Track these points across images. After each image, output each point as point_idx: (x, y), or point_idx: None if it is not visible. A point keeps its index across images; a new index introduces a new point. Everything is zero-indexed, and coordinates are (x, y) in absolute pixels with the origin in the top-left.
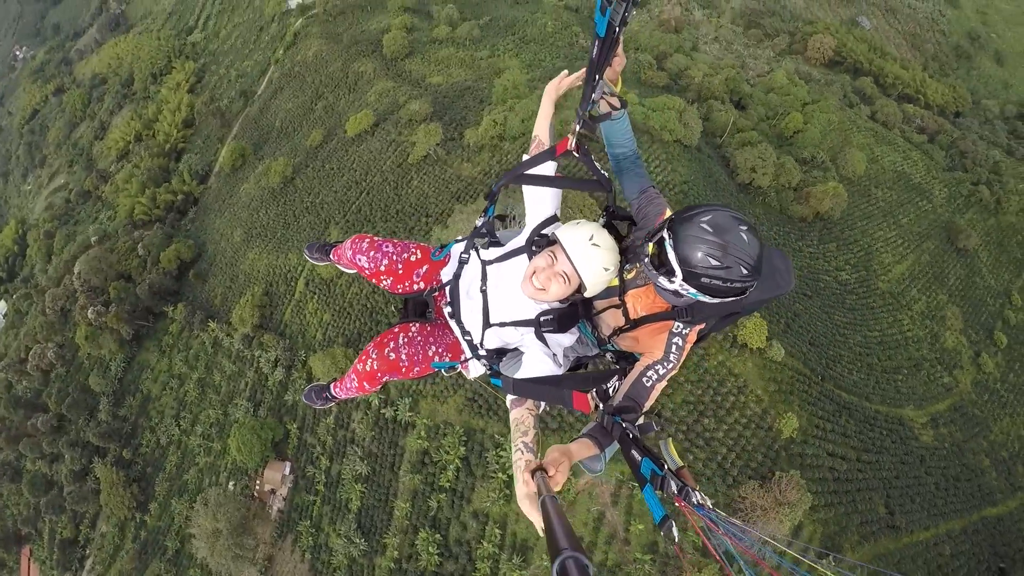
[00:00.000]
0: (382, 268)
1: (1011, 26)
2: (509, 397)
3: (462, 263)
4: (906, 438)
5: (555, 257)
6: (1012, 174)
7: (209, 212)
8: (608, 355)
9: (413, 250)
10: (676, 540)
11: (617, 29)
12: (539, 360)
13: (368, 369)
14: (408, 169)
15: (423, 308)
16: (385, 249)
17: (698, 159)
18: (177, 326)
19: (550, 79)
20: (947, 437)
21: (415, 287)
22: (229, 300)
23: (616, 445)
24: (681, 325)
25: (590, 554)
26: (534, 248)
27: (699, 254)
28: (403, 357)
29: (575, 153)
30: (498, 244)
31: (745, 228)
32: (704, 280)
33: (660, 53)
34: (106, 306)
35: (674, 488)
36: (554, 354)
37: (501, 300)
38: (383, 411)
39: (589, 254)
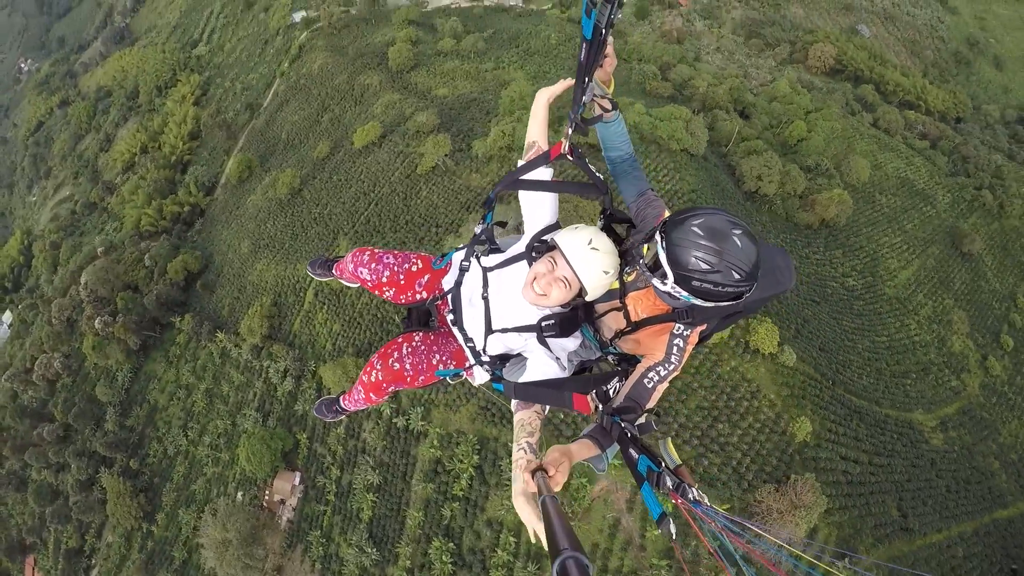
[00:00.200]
0: (384, 280)
1: (1009, 31)
2: (514, 401)
3: (463, 271)
4: (916, 441)
5: (555, 262)
6: (1014, 178)
7: (216, 224)
8: (610, 358)
9: (414, 260)
10: (674, 537)
11: (604, 31)
12: (543, 364)
13: (374, 380)
14: (417, 180)
15: (426, 317)
16: (386, 261)
17: (705, 168)
18: (184, 337)
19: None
20: (956, 440)
21: (418, 297)
22: (237, 311)
23: (617, 446)
24: (682, 327)
25: (606, 560)
26: (534, 254)
27: (690, 257)
28: (407, 367)
29: (569, 157)
30: (498, 251)
31: (740, 232)
32: (695, 284)
33: (664, 64)
34: (113, 316)
35: (669, 484)
36: (557, 358)
37: (503, 306)
38: (395, 420)
39: (589, 258)
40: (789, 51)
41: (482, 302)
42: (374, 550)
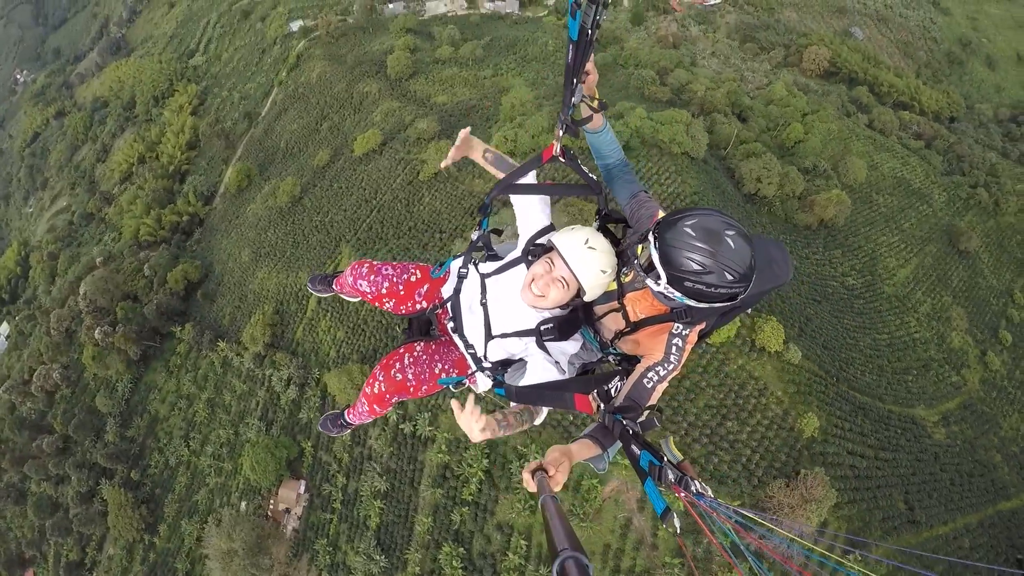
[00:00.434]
0: (383, 291)
1: (1001, 30)
2: (512, 404)
3: (461, 278)
4: (920, 436)
5: (552, 263)
6: (1009, 175)
7: (215, 233)
8: (611, 359)
9: (412, 271)
10: (678, 531)
11: (589, 32)
12: (543, 368)
13: (376, 392)
14: (419, 186)
15: (427, 326)
16: (385, 272)
17: (705, 171)
18: (185, 346)
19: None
20: (959, 434)
21: (418, 307)
22: (238, 320)
23: (619, 445)
24: (680, 326)
25: (619, 561)
26: (530, 257)
27: (683, 258)
28: (410, 377)
29: (561, 159)
30: (496, 257)
31: (733, 233)
32: (688, 285)
33: (661, 68)
34: (113, 326)
35: (671, 477)
36: (556, 361)
37: (502, 311)
38: (401, 427)
39: (585, 258)
40: (784, 54)
41: (481, 308)
42: (382, 557)
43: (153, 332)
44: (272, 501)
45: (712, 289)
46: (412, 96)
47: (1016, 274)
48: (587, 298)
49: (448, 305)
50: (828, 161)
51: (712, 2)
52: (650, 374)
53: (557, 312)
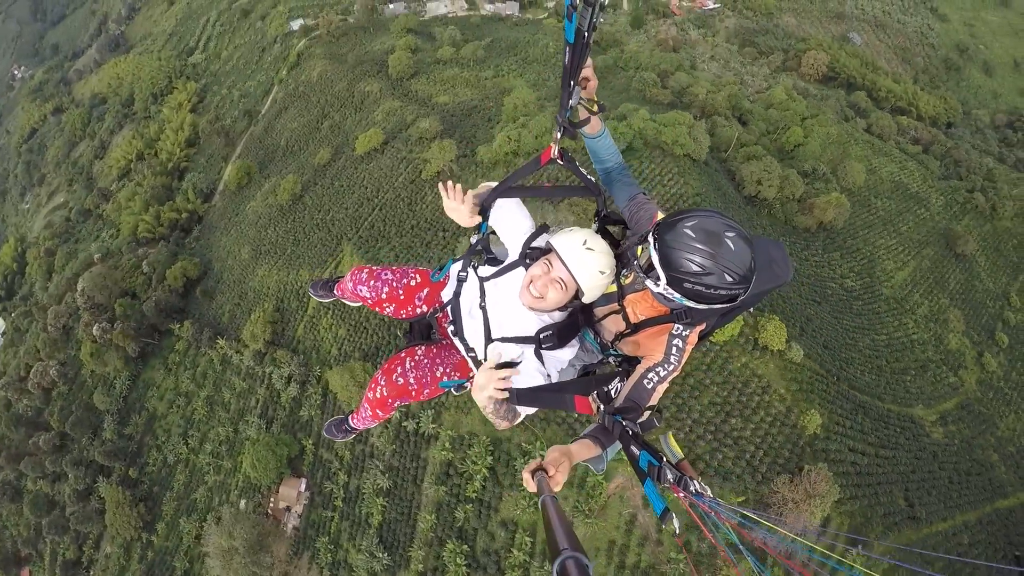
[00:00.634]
0: (383, 296)
1: (998, 37)
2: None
3: (461, 281)
4: (918, 435)
5: (551, 264)
6: (1006, 180)
7: (214, 230)
8: (612, 360)
9: (412, 275)
10: (677, 532)
11: (586, 34)
12: (530, 379)
13: (379, 396)
14: (421, 185)
15: (427, 330)
16: (385, 277)
17: (707, 172)
18: (183, 344)
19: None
20: (956, 434)
21: (418, 311)
22: (238, 317)
23: (618, 445)
24: (681, 327)
25: (623, 557)
26: (528, 260)
27: (682, 259)
28: (411, 381)
29: (559, 161)
30: (495, 260)
31: (733, 235)
32: (687, 286)
33: (662, 71)
34: (111, 323)
35: (670, 477)
36: (548, 374)
37: (501, 315)
38: (404, 424)
39: (584, 258)
40: (782, 59)
41: (480, 312)
42: (385, 555)
43: (152, 329)
44: (272, 499)
45: (712, 291)
46: (413, 96)
47: (1012, 277)
48: (586, 299)
49: (448, 309)
50: (827, 165)
51: (711, 6)
52: (650, 375)
53: (556, 316)
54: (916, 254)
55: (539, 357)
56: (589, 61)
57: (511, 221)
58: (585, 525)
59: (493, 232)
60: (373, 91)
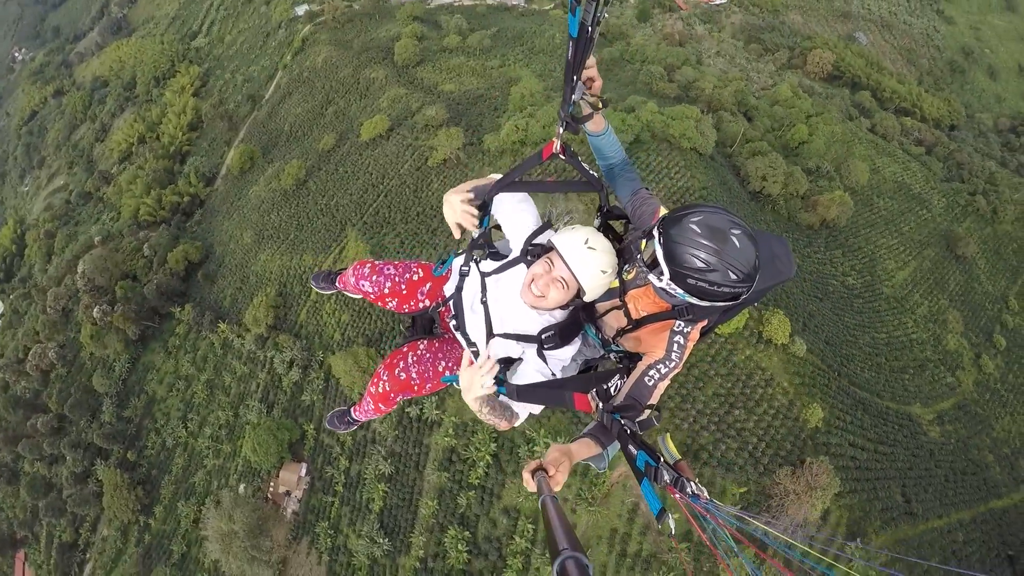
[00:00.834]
0: (386, 291)
1: (1004, 41)
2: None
3: (463, 276)
4: (916, 433)
5: (552, 263)
6: (1007, 184)
7: (216, 214)
8: (613, 356)
9: (415, 269)
10: (672, 532)
11: (590, 28)
12: (531, 378)
13: (381, 391)
14: (428, 172)
15: (430, 324)
16: (387, 272)
17: (713, 167)
18: (184, 327)
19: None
20: (953, 433)
21: (420, 305)
22: (239, 301)
23: (619, 444)
24: (682, 324)
25: (625, 545)
26: (530, 257)
27: (687, 255)
28: (414, 375)
29: (562, 156)
30: (497, 255)
31: (739, 232)
32: (691, 282)
33: (668, 65)
34: (112, 305)
35: (667, 478)
36: (552, 372)
37: (502, 311)
38: (407, 410)
39: (585, 258)
40: (788, 56)
41: (482, 307)
42: (386, 540)
43: (152, 312)
44: (272, 483)
45: (715, 288)
46: (419, 83)
47: (1011, 281)
48: (587, 298)
49: (450, 303)
50: (831, 163)
51: (718, 1)
52: (651, 372)
53: (558, 314)
54: (917, 254)
55: (542, 357)
56: (592, 60)
57: (514, 216)
58: (588, 513)
59: (495, 226)
60: (378, 78)
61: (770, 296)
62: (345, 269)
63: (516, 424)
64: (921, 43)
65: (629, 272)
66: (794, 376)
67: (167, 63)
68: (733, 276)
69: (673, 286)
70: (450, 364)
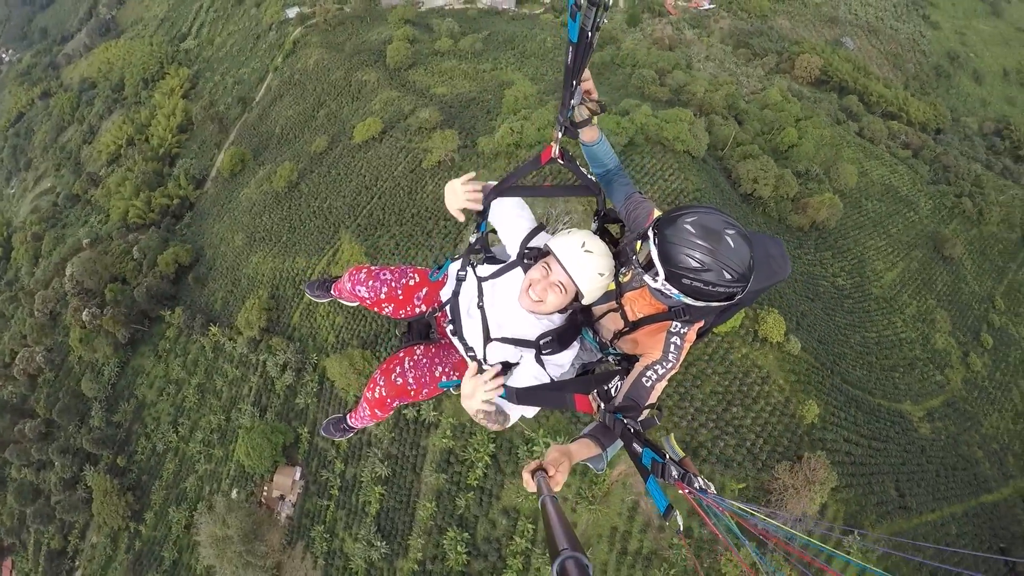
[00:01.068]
0: (382, 296)
1: (989, 46)
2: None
3: (459, 281)
4: (907, 429)
5: (549, 267)
6: (993, 187)
7: (207, 217)
8: (611, 359)
9: (411, 275)
10: (681, 529)
11: (590, 34)
12: (526, 382)
13: (378, 396)
14: (422, 174)
15: (426, 330)
16: (383, 277)
17: (705, 169)
18: (174, 331)
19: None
20: (943, 430)
21: (417, 311)
22: (231, 304)
23: (618, 444)
24: (679, 325)
25: (625, 543)
26: (526, 261)
27: (682, 255)
28: (410, 380)
29: (560, 160)
30: (494, 260)
31: (733, 232)
32: (686, 282)
33: (659, 69)
34: (101, 308)
35: (675, 474)
36: (551, 377)
37: (499, 315)
38: (404, 412)
39: (583, 261)
40: (776, 61)
41: (479, 312)
42: (383, 543)
43: (142, 315)
44: (266, 488)
45: (710, 287)
46: (411, 86)
47: (997, 281)
48: (585, 301)
49: (447, 308)
50: (820, 166)
51: (706, 7)
52: (649, 372)
53: (556, 319)
54: (905, 255)
55: (540, 363)
56: (587, 74)
57: (511, 220)
58: (588, 511)
59: (492, 231)
60: (370, 80)
61: (764, 296)
62: (340, 276)
63: (507, 426)
64: (907, 48)
65: (625, 275)
66: (789, 373)
67: (156, 65)
68: (728, 276)
69: (668, 286)
70: (447, 369)
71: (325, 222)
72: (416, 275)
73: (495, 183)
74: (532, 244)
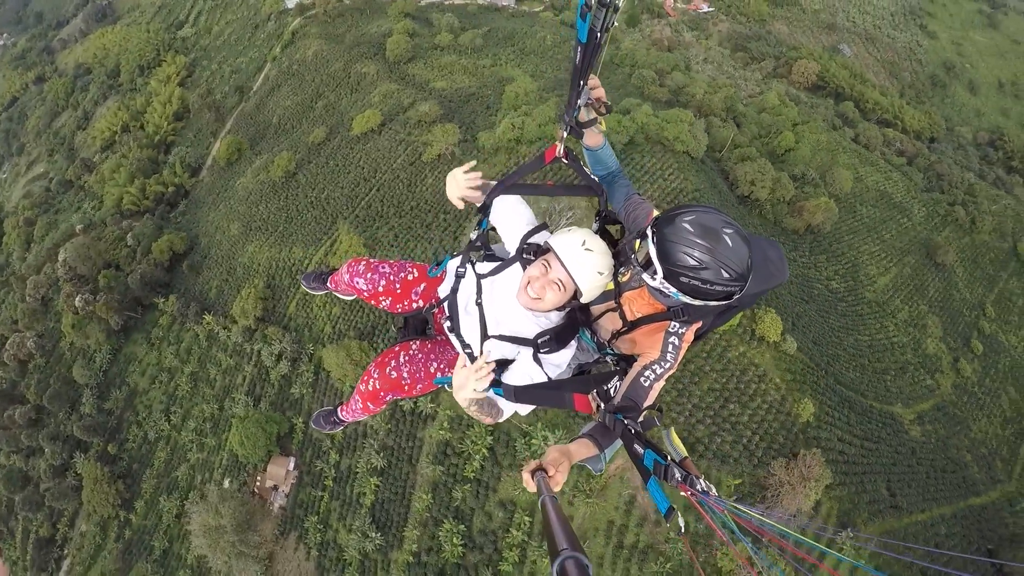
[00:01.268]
0: (380, 289)
1: (984, 57)
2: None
3: (458, 277)
4: (898, 431)
5: (549, 265)
6: (985, 196)
7: (202, 205)
8: (609, 359)
9: (410, 269)
10: (683, 530)
11: (599, 35)
12: (521, 380)
13: (371, 389)
14: (422, 167)
15: (423, 325)
16: (382, 270)
17: (703, 170)
18: (168, 318)
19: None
20: (933, 433)
21: (414, 305)
22: (226, 293)
23: (618, 444)
24: (677, 325)
25: (622, 537)
26: (525, 257)
27: (680, 253)
28: (405, 375)
29: (564, 160)
30: (493, 257)
31: (731, 232)
32: (684, 280)
33: (659, 70)
34: (94, 294)
35: (678, 476)
36: (547, 376)
37: (497, 312)
38: (400, 403)
39: (583, 259)
40: (773, 65)
41: (477, 308)
42: (378, 535)
43: (135, 302)
44: (259, 478)
45: (708, 286)
46: (411, 80)
47: (988, 289)
48: (584, 300)
49: (445, 304)
50: (816, 170)
51: (705, 10)
52: (647, 372)
53: (554, 317)
54: (898, 261)
55: (537, 361)
56: (595, 80)
57: (512, 218)
58: (585, 505)
59: (492, 229)
60: (370, 73)
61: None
62: (337, 269)
63: (500, 420)
64: (904, 57)
65: (624, 274)
66: (785, 372)
67: (152, 52)
68: (726, 275)
69: (667, 285)
70: (442, 366)
71: (323, 213)
72: (415, 270)
73: (496, 182)
74: (532, 240)
